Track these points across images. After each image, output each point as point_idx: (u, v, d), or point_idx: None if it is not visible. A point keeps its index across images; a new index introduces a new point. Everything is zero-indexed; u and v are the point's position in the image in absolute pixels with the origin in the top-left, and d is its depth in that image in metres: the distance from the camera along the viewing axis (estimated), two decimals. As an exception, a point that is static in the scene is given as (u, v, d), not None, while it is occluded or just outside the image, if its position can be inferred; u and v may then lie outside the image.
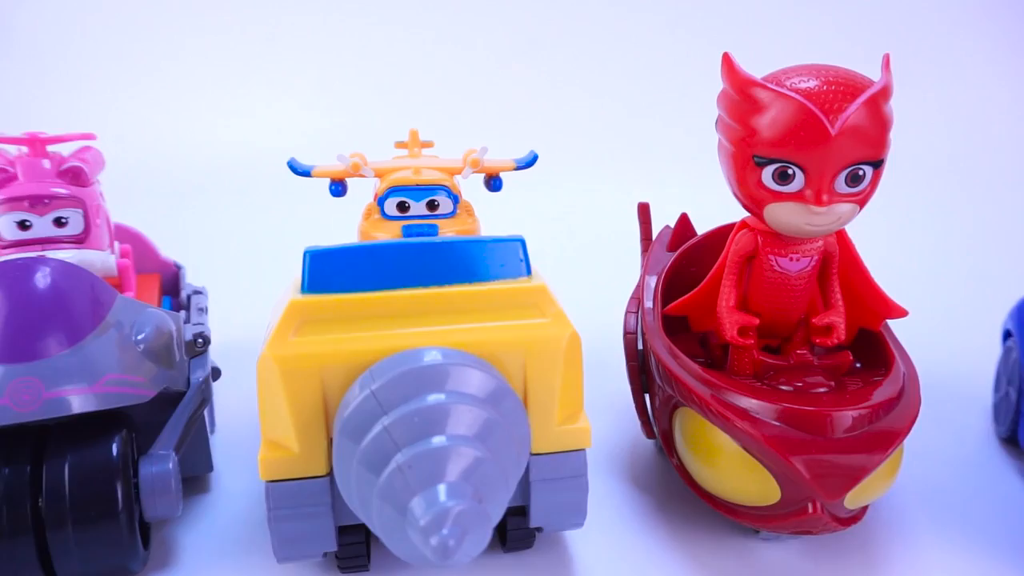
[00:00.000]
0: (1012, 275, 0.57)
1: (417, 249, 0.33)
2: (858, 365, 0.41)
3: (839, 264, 0.38)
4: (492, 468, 0.29)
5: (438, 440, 0.28)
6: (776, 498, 0.35)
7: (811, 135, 0.32)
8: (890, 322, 0.42)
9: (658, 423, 0.42)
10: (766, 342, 0.40)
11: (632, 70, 1.08)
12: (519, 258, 0.35)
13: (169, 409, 0.39)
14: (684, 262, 0.46)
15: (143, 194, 0.89)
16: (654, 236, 0.51)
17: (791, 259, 0.37)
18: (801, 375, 0.37)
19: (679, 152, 0.91)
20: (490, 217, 0.49)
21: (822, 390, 0.36)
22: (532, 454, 0.34)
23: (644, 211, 0.51)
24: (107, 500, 0.33)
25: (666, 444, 0.41)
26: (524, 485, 0.35)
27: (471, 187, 0.47)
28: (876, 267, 0.39)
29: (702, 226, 0.49)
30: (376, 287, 0.33)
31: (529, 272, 0.35)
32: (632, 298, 0.46)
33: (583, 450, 0.35)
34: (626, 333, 0.44)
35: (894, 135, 0.34)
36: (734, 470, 0.36)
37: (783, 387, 0.36)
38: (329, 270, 0.33)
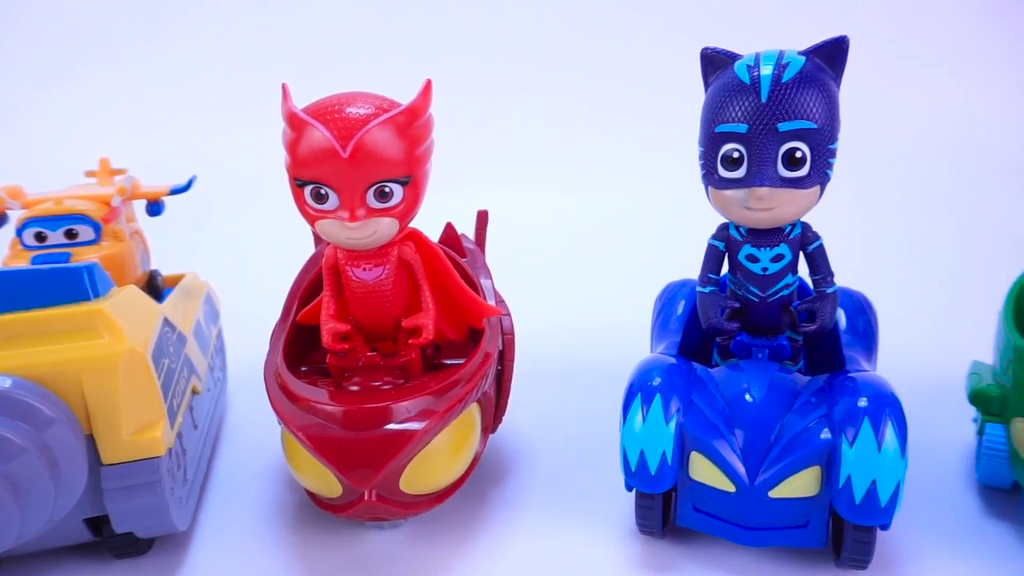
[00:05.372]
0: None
1: (-31, 280, 0.36)
2: (457, 361, 0.44)
3: (432, 272, 0.42)
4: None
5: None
6: (339, 490, 0.38)
7: (327, 158, 0.35)
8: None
9: None
10: (386, 346, 0.43)
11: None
12: (83, 284, 0.37)
13: None
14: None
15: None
16: None
17: (364, 269, 0.40)
18: (373, 375, 0.40)
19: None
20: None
21: (387, 387, 0.39)
22: (104, 464, 0.37)
23: None
24: None
25: (290, 446, 0.44)
26: (98, 495, 0.37)
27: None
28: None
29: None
30: (-69, 319, 0.35)
31: (96, 295, 0.37)
32: None
33: (156, 458, 0.37)
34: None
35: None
36: (305, 466, 0.39)
37: (353, 387, 0.40)
38: None
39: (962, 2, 1.03)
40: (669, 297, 0.52)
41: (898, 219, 0.90)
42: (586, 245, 0.90)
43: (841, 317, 0.47)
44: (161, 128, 1.07)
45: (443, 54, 1.07)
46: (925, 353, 0.57)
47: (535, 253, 0.87)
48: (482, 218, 0.53)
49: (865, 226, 0.87)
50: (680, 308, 0.50)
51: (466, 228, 0.54)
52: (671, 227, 0.85)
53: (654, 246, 0.83)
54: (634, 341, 0.61)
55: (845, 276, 0.49)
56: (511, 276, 0.58)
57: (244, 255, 0.89)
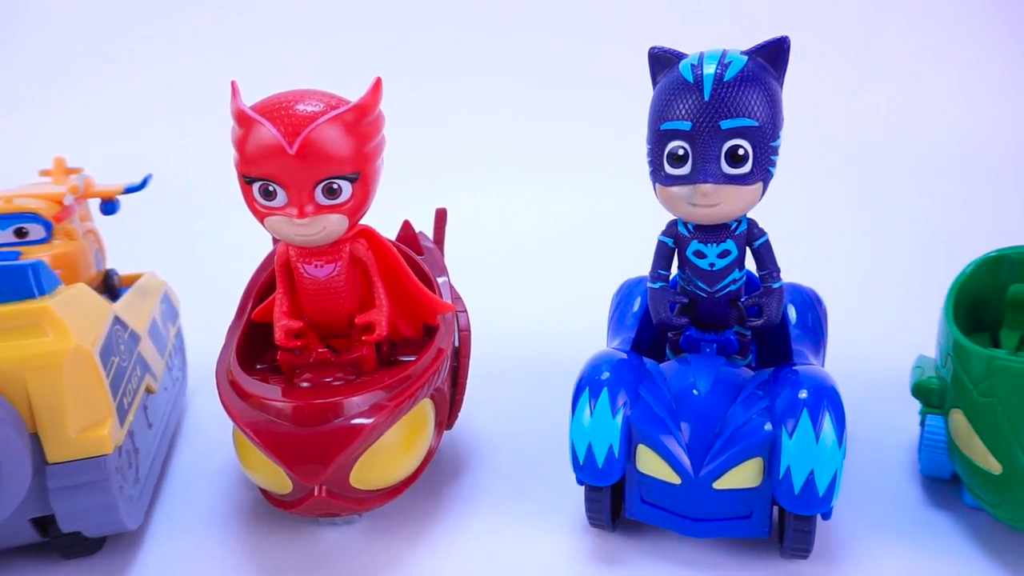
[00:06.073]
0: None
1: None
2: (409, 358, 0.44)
3: (386, 268, 0.42)
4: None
5: None
6: (290, 486, 0.38)
7: (274, 155, 0.35)
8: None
9: None
10: (341, 343, 0.43)
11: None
12: (28, 282, 0.37)
13: None
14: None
15: None
16: None
17: (315, 266, 0.40)
18: (324, 371, 0.40)
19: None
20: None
21: (338, 383, 0.40)
22: (50, 463, 0.37)
23: None
24: None
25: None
26: (44, 494, 0.37)
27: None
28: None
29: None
30: None
31: (42, 293, 0.37)
32: None
33: (103, 456, 0.37)
34: None
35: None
36: (255, 462, 0.39)
37: (304, 384, 0.40)
38: None
39: (907, 3, 1.05)
40: (625, 294, 0.52)
41: (849, 217, 0.92)
42: (546, 245, 0.91)
43: (791, 312, 0.48)
44: (118, 127, 1.06)
45: (403, 55, 1.07)
46: (874, 348, 0.59)
47: (495, 254, 0.88)
48: (440, 216, 0.54)
49: (817, 224, 0.88)
50: (636, 305, 0.51)
51: (426, 227, 0.54)
52: (631, 226, 0.86)
53: (613, 246, 0.84)
54: (594, 340, 0.61)
55: (796, 273, 0.50)
56: (472, 276, 0.58)
57: (213, 257, 0.88)
